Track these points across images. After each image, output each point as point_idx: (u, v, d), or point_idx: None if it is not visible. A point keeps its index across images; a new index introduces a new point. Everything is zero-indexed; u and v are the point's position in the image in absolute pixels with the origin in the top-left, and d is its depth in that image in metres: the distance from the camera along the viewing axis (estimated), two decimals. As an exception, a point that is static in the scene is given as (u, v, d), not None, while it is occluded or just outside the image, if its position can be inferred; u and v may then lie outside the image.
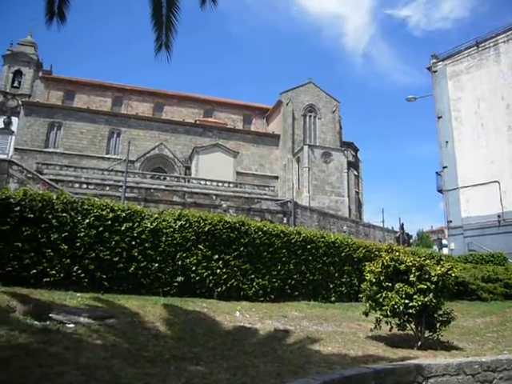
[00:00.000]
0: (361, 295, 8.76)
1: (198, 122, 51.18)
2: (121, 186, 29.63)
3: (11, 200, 8.45)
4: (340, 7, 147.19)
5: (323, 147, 48.33)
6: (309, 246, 11.80)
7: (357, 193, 51.17)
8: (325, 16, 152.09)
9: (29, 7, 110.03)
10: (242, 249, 10.56)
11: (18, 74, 49.86)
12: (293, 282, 11.28)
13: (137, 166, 43.77)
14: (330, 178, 46.36)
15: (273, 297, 10.79)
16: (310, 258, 11.77)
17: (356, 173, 51.75)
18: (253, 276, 10.61)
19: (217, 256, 10.19)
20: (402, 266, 7.56)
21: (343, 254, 12.53)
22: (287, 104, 50.83)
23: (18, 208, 8.44)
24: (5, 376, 3.83)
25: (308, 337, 7.48)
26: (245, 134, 51.76)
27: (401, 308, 7.21)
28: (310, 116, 52.36)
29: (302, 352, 6.34)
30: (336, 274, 12.25)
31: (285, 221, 32.40)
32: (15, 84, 49.35)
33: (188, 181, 39.13)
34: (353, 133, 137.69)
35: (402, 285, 7.38)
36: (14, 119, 46.15)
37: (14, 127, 45.95)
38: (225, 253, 10.34)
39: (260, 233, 10.97)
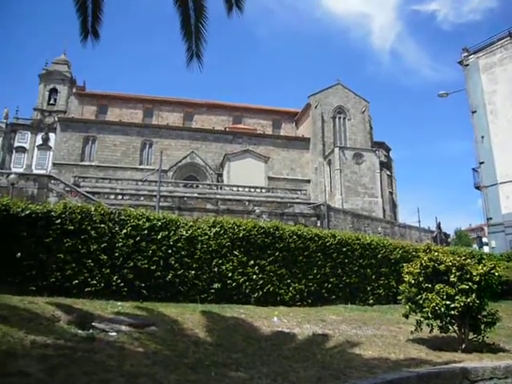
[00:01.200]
0: (399, 297, 8.59)
1: (227, 129, 51.67)
2: (155, 196, 30.21)
3: (52, 213, 8.76)
4: (364, 6, 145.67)
5: (354, 148, 47.88)
6: (344, 249, 11.68)
7: (390, 193, 50.32)
8: (350, 16, 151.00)
9: (61, 26, 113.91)
10: (277, 254, 10.55)
11: (53, 91, 51.79)
12: (329, 286, 11.17)
13: (169, 176, 44.50)
14: (363, 179, 45.81)
15: (310, 301, 10.72)
16: (346, 260, 11.64)
17: (389, 173, 50.95)
18: (289, 281, 10.58)
19: (252, 262, 10.22)
20: (442, 267, 7.38)
21: (379, 255, 12.32)
22: (316, 107, 50.66)
23: (59, 221, 8.74)
24: (54, 383, 3.96)
25: (347, 341, 7.39)
26: (274, 139, 51.89)
27: (442, 310, 7.03)
28: (340, 117, 51.99)
29: (342, 356, 6.26)
30: (373, 276, 12.05)
31: (318, 224, 32.22)
32: (51, 101, 51.25)
33: (220, 188, 39.47)
34: (384, 132, 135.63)
35: (442, 286, 7.20)
36: (52, 135, 47.97)
37: (51, 143, 47.70)
38: (260, 258, 10.35)
39: (295, 237, 10.93)
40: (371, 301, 11.80)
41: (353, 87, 54.04)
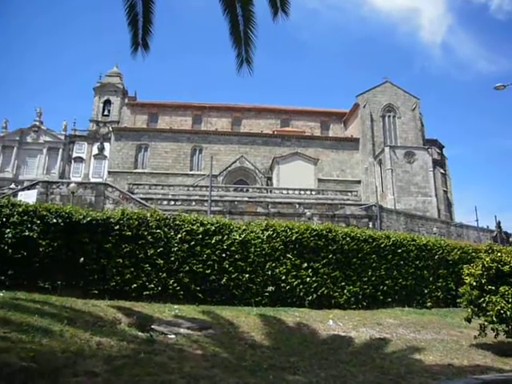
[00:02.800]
0: (460, 300, 8.30)
1: (275, 132, 51.71)
2: (206, 201, 30.71)
3: (111, 220, 9.14)
4: (413, 1, 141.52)
5: (405, 147, 46.50)
6: (399, 250, 11.39)
7: (445, 192, 48.51)
8: (397, 12, 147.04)
9: (111, 39, 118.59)
10: (330, 256, 10.45)
11: (107, 103, 54.01)
12: (385, 288, 10.93)
13: (220, 180, 45.09)
14: (415, 179, 44.42)
15: (365, 304, 10.53)
16: (402, 262, 11.35)
17: (443, 171, 49.14)
18: (343, 283, 10.44)
19: (306, 264, 10.18)
20: (506, 268, 7.06)
21: (436, 256, 11.92)
22: (364, 106, 49.70)
23: (118, 227, 9.11)
24: (119, 383, 4.13)
25: (406, 345, 7.21)
26: (323, 141, 51.35)
27: (508, 313, 6.72)
28: (389, 116, 50.71)
29: (401, 361, 6.11)
30: (430, 278, 11.67)
31: (370, 225, 31.54)
32: (105, 112, 53.48)
33: (270, 191, 39.56)
34: (437, 129, 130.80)
35: (507, 288, 6.88)
36: (106, 145, 50.05)
37: (106, 152, 49.77)
38: (313, 261, 10.30)
39: (348, 239, 10.79)
40: (429, 304, 11.43)
41: (402, 84, 52.70)
